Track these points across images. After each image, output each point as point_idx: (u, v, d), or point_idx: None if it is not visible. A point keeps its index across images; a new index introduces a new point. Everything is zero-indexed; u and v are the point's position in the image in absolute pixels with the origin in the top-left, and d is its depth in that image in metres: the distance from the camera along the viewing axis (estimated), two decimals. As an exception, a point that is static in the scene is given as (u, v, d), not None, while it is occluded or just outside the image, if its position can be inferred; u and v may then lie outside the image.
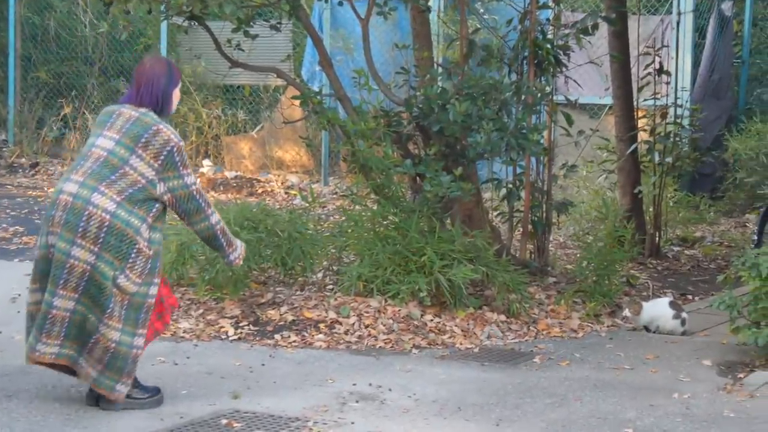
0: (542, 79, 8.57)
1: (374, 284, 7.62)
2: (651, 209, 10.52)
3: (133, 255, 5.44)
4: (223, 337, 7.17)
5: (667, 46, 11.59)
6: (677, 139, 10.49)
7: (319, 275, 8.27)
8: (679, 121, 10.59)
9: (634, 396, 6.20)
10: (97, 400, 5.62)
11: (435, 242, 7.66)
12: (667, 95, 10.48)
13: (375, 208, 8.15)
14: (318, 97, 8.26)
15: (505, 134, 7.83)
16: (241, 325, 7.35)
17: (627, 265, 9.33)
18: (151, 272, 5.53)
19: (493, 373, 6.62)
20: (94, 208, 5.40)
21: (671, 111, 10.60)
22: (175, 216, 5.77)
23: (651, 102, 10.42)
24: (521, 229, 8.72)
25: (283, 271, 8.10)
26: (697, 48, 13.32)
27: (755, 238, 9.84)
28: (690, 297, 9.07)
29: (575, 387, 6.35)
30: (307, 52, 14.27)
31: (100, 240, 5.40)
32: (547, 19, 9.06)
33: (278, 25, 8.59)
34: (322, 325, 7.33)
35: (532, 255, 8.82)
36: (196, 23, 8.12)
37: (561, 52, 8.61)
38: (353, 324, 7.35)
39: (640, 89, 10.31)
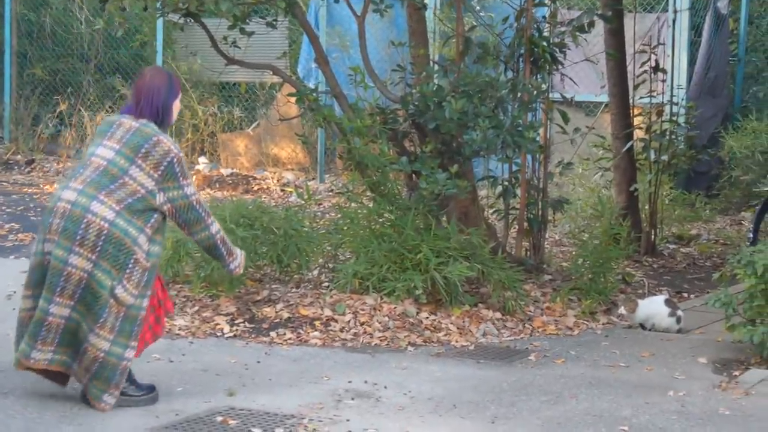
0: (538, 76, 8.58)
1: (370, 281, 7.62)
2: (647, 207, 10.53)
3: (130, 265, 5.44)
4: (219, 334, 7.17)
5: (663, 44, 11.60)
6: (673, 136, 10.50)
7: (315, 272, 8.27)
8: (674, 118, 10.60)
9: (629, 394, 6.20)
10: (92, 397, 5.62)
11: (431, 240, 7.66)
12: (662, 93, 10.49)
13: (371, 205, 8.15)
14: (314, 94, 8.26)
15: (501, 132, 7.83)
16: (236, 322, 7.35)
17: (623, 263, 9.34)
18: (146, 284, 5.54)
19: (489, 370, 6.63)
20: (92, 216, 5.41)
21: (667, 109, 10.60)
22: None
23: (647, 100, 10.43)
24: (517, 227, 8.73)
25: (278, 268, 8.10)
26: (693, 46, 13.34)
27: (751, 235, 9.84)
28: (685, 295, 9.08)
29: (571, 385, 6.36)
30: (303, 50, 14.26)
31: (98, 248, 5.40)
32: (544, 17, 9.07)
33: (274, 22, 8.59)
34: (317, 323, 7.33)
35: (528, 252, 8.82)
36: (192, 20, 8.11)
37: (557, 50, 8.61)
38: (349, 321, 7.35)
39: (636, 87, 10.32)
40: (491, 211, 9.11)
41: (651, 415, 5.80)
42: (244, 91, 14.65)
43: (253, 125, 14.90)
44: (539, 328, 7.68)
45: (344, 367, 6.54)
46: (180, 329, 7.18)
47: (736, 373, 6.69)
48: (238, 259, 5.87)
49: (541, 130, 8.79)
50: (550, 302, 8.10)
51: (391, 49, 10.35)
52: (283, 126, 13.58)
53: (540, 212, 8.75)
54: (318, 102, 8.25)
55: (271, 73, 8.75)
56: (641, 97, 10.50)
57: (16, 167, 14.64)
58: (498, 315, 7.70)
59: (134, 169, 5.49)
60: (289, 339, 7.11)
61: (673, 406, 5.98)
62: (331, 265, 8.27)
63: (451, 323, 7.47)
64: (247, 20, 8.09)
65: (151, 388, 5.72)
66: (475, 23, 9.58)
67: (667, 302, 7.91)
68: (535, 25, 8.54)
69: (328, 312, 7.44)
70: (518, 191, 8.53)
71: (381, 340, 7.16)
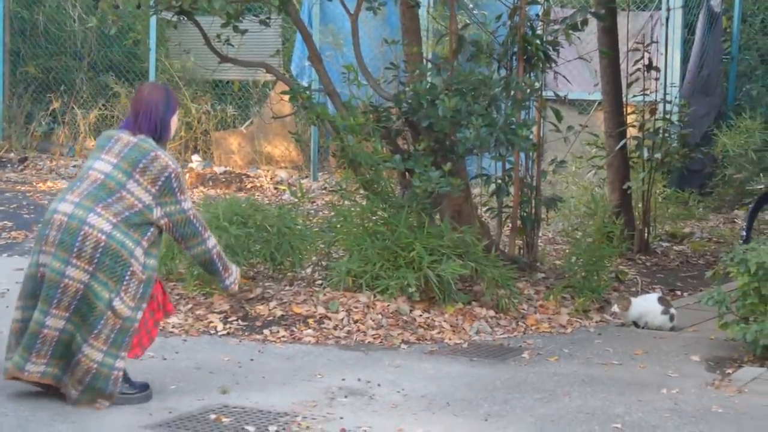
0: (531, 74, 8.58)
1: (363, 279, 7.62)
2: (640, 205, 10.54)
3: (127, 277, 5.46)
4: (212, 332, 7.17)
5: (657, 42, 11.61)
6: (666, 135, 10.51)
7: (308, 270, 8.27)
8: (668, 117, 10.61)
9: (622, 391, 6.21)
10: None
11: (424, 238, 7.66)
12: (656, 91, 10.49)
13: (364, 203, 8.15)
14: (307, 92, 8.25)
15: (495, 130, 7.83)
16: (230, 320, 7.34)
17: (616, 261, 9.35)
18: (142, 297, 5.55)
19: (482, 368, 6.63)
20: (89, 228, 5.42)
21: (660, 107, 10.62)
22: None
23: (640, 98, 10.44)
24: (510, 225, 8.73)
25: (272, 266, 8.10)
26: (686, 44, 13.35)
27: (744, 233, 9.85)
28: (679, 293, 9.09)
29: (564, 382, 6.36)
30: (296, 48, 14.26)
31: (95, 260, 5.42)
32: (537, 15, 9.07)
33: (268, 21, 8.59)
34: (311, 321, 7.33)
35: (521, 250, 8.83)
36: (186, 18, 8.11)
37: (550, 48, 8.61)
38: (342, 319, 7.34)
39: (629, 85, 10.33)
40: (484, 209, 9.11)
41: (644, 413, 5.81)
42: (237, 89, 14.65)
43: (247, 123, 14.90)
44: (532, 326, 7.69)
45: (337, 365, 6.54)
46: (173, 327, 7.18)
47: (729, 371, 6.69)
48: (234, 275, 5.92)
49: (534, 128, 8.79)
50: (544, 300, 8.11)
51: (384, 47, 10.34)
52: (276, 124, 13.58)
53: (533, 210, 8.75)
54: (311, 100, 8.24)
55: (265, 71, 8.75)
56: (634, 95, 10.51)
57: (9, 165, 14.63)
58: (491, 313, 7.70)
59: (132, 184, 5.52)
60: (283, 337, 7.11)
61: (666, 403, 5.99)
62: (324, 263, 8.27)
63: (445, 321, 7.48)
64: (241, 18, 8.09)
65: (145, 386, 5.72)
66: (468, 21, 9.57)
67: (661, 300, 7.92)
68: (529, 23, 8.55)
69: (321, 310, 7.44)
70: (511, 189, 8.53)
71: (374, 338, 7.16)
